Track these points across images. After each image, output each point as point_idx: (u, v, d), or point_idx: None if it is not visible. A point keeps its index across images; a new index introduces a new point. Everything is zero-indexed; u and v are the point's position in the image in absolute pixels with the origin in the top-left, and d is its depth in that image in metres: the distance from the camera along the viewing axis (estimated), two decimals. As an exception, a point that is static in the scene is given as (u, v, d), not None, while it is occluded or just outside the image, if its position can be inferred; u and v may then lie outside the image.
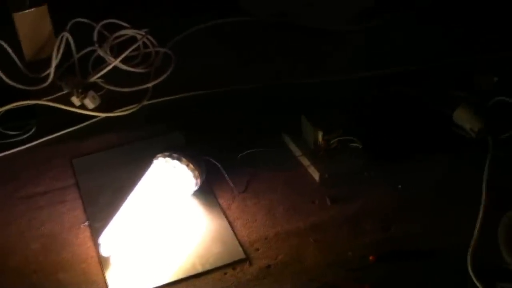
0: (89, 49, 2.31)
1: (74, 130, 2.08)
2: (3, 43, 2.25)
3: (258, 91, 2.20)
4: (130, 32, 2.34)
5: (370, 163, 1.90)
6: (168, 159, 1.78)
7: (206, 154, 1.87)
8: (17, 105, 2.09)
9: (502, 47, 2.30)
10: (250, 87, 2.21)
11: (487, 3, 2.48)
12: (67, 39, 2.25)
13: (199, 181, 1.80)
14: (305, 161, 1.92)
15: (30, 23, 2.29)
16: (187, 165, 1.77)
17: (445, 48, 2.34)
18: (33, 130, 2.07)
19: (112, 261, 1.68)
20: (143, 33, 2.32)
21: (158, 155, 1.80)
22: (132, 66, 2.27)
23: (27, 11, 2.27)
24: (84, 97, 2.11)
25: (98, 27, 2.31)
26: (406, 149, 1.96)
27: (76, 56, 2.28)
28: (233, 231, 1.75)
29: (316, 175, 1.88)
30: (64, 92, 2.18)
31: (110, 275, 1.65)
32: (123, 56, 2.21)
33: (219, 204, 1.82)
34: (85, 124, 2.09)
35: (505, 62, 2.24)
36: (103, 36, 2.32)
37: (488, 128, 1.94)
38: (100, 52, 2.26)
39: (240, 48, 2.40)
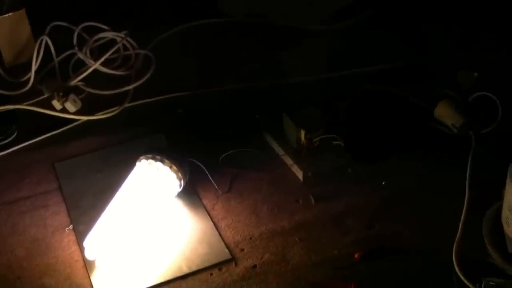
0: (69, 52, 2.30)
1: (56, 134, 2.07)
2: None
3: (239, 91, 2.20)
4: (109, 34, 2.34)
5: (353, 161, 1.91)
6: (151, 161, 1.77)
7: (189, 155, 1.87)
8: (-3, 110, 2.08)
9: (483, 44, 2.32)
10: (231, 88, 2.21)
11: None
12: (46, 43, 2.24)
13: (182, 182, 1.79)
14: (288, 160, 1.92)
15: (8, 27, 2.27)
16: (170, 167, 1.76)
17: (426, 45, 2.34)
18: (14, 135, 2.05)
19: (97, 264, 1.67)
20: (123, 36, 2.31)
21: (141, 157, 1.79)
22: (113, 69, 2.26)
23: (5, 15, 2.25)
24: (65, 101, 2.10)
25: (77, 30, 2.30)
26: (389, 146, 1.96)
27: (56, 59, 2.27)
28: (218, 231, 1.75)
29: (299, 174, 1.88)
30: (45, 96, 2.17)
31: (96, 279, 1.64)
32: (103, 59, 2.21)
33: (203, 205, 1.82)
34: (66, 127, 2.09)
35: (484, 57, 2.24)
36: (83, 39, 2.31)
37: (469, 123, 1.95)
38: (80, 55, 2.25)
39: (220, 49, 2.40)
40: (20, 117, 2.10)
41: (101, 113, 2.12)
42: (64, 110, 2.11)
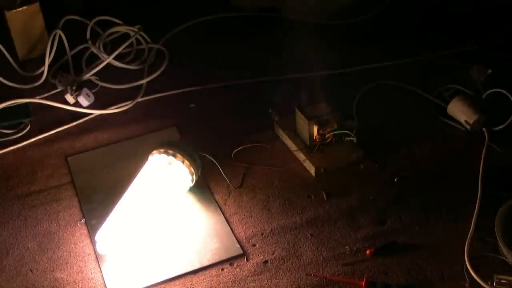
0: (82, 46, 2.31)
1: (69, 128, 2.08)
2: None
3: (251, 86, 2.20)
4: (123, 29, 2.34)
5: (365, 156, 1.90)
6: (163, 155, 1.78)
7: (201, 150, 1.87)
8: (11, 104, 2.08)
9: (497, 40, 2.31)
10: (244, 82, 2.21)
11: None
12: (60, 37, 2.25)
13: (194, 177, 1.79)
14: (300, 156, 1.92)
15: (22, 21, 2.28)
16: (183, 161, 1.77)
17: (440, 40, 2.33)
18: (27, 128, 2.06)
19: (109, 258, 1.68)
20: (136, 30, 2.31)
21: (154, 151, 1.80)
22: (126, 63, 2.27)
23: (19, 9, 2.26)
24: (78, 95, 2.11)
25: (91, 24, 2.31)
26: (401, 142, 1.96)
27: (69, 53, 2.27)
28: (230, 226, 1.75)
29: (311, 170, 1.88)
30: (58, 90, 2.18)
31: (108, 273, 1.65)
32: (116, 53, 2.21)
33: (215, 200, 1.82)
34: (79, 121, 2.09)
35: (499, 54, 2.24)
36: (96, 33, 2.31)
37: (483, 120, 1.94)
38: (93, 49, 2.26)
39: (233, 43, 2.40)
40: (33, 111, 2.10)
41: (114, 107, 2.13)
42: (77, 104, 2.12)
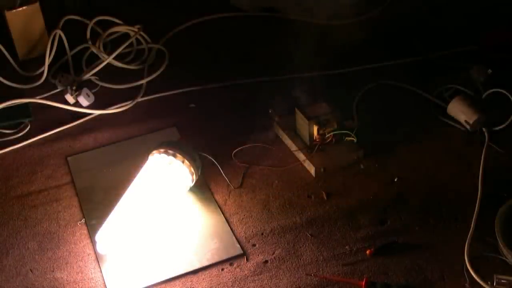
0: (82, 46, 2.31)
1: (69, 128, 2.08)
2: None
3: (251, 85, 2.20)
4: (123, 29, 2.34)
5: (365, 156, 1.90)
6: (163, 155, 1.77)
7: (201, 150, 1.87)
8: (11, 104, 2.08)
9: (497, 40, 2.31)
10: (244, 82, 2.21)
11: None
12: (60, 37, 2.25)
13: (194, 177, 1.79)
14: (301, 156, 1.92)
15: (22, 21, 2.28)
16: (183, 161, 1.77)
17: (440, 40, 2.33)
18: (27, 128, 2.06)
19: (109, 258, 1.68)
20: (136, 30, 2.31)
21: (154, 151, 1.80)
22: (126, 63, 2.27)
23: (19, 9, 2.26)
24: (78, 95, 2.11)
25: (91, 24, 2.31)
26: (401, 141, 1.96)
27: (69, 53, 2.27)
28: (230, 226, 1.75)
29: (311, 170, 1.88)
30: (58, 90, 2.18)
31: (108, 273, 1.65)
32: (116, 53, 2.21)
33: (215, 200, 1.82)
34: (79, 121, 2.09)
35: (499, 54, 2.23)
36: (96, 33, 2.31)
37: (483, 120, 1.94)
38: (93, 49, 2.26)
39: (233, 43, 2.40)
40: (33, 111, 2.10)
41: (114, 107, 2.13)
42: (77, 104, 2.12)
